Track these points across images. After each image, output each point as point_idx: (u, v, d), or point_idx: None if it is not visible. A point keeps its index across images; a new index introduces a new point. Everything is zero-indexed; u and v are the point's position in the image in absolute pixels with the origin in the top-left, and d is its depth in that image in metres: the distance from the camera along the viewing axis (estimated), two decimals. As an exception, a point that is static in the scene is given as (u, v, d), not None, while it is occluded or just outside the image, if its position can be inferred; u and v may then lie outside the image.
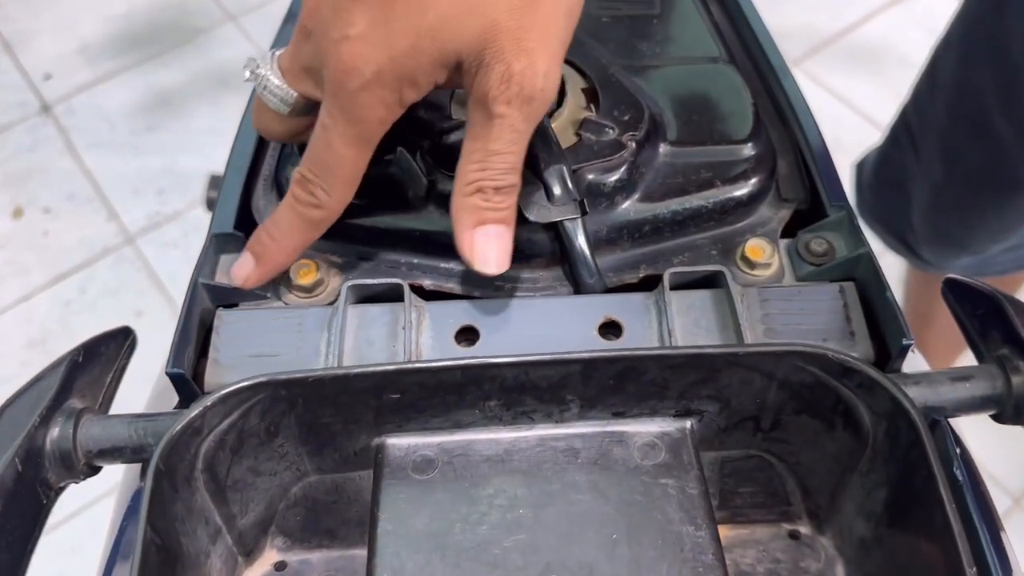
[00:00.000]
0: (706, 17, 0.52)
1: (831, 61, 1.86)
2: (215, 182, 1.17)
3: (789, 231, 0.45)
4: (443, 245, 0.43)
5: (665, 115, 0.46)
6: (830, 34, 1.90)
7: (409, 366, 0.35)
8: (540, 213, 0.42)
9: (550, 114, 0.45)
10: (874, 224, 1.02)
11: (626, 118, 0.45)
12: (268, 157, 0.49)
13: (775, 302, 0.41)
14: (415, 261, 0.44)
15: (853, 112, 1.78)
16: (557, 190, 0.42)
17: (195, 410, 0.33)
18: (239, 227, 0.45)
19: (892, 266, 1.45)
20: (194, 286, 0.41)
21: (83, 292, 1.57)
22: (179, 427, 0.33)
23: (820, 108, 1.65)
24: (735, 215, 0.45)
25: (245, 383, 0.34)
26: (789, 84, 0.48)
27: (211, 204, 1.18)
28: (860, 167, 1.06)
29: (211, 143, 1.76)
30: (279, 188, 0.47)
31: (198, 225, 1.64)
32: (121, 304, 1.55)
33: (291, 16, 0.61)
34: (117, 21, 1.96)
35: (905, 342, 0.37)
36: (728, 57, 0.50)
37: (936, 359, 1.22)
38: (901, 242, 1.01)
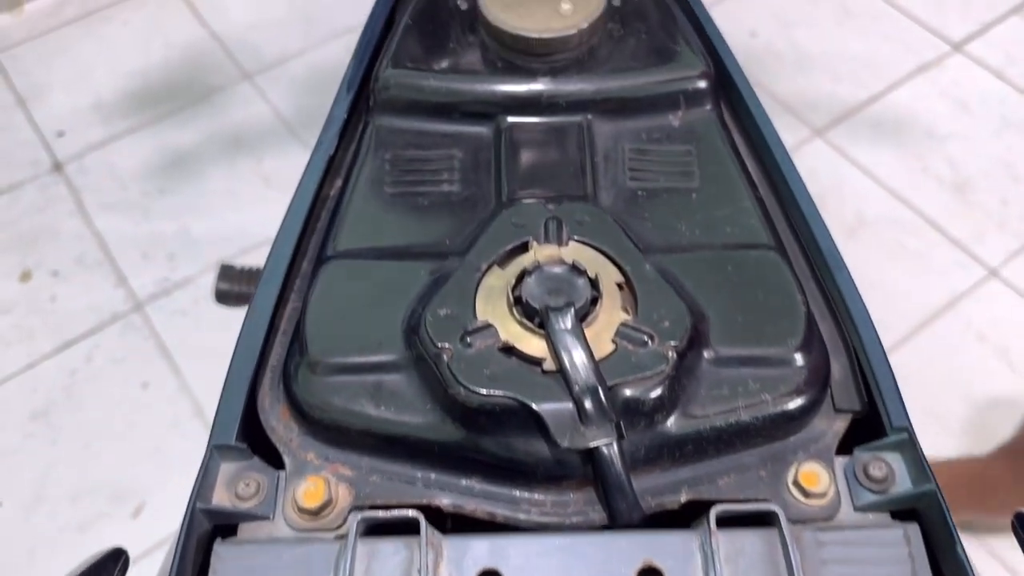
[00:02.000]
0: (750, 193, 0.48)
1: (855, 131, 1.83)
2: (225, 272, 1.13)
3: (845, 444, 0.41)
4: (463, 459, 0.39)
5: (707, 313, 0.43)
6: (854, 103, 1.87)
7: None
8: (573, 438, 0.38)
9: (583, 317, 0.41)
10: None
11: (666, 323, 0.41)
12: (276, 345, 0.46)
13: (833, 547, 0.37)
14: (432, 476, 0.41)
15: (877, 185, 1.74)
16: (591, 411, 0.38)
17: None
18: (244, 431, 0.42)
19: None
20: (191, 512, 0.38)
21: (89, 361, 1.54)
22: None
23: (844, 181, 1.62)
24: (785, 430, 0.41)
25: None
26: (843, 278, 0.44)
27: (221, 297, 1.14)
28: None
29: (223, 206, 1.74)
30: (287, 383, 0.43)
31: (207, 293, 1.61)
32: (127, 374, 1.52)
33: (357, 54, 0.57)
34: (132, 77, 1.94)
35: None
36: (775, 242, 0.46)
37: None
38: None
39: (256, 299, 0.45)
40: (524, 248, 0.44)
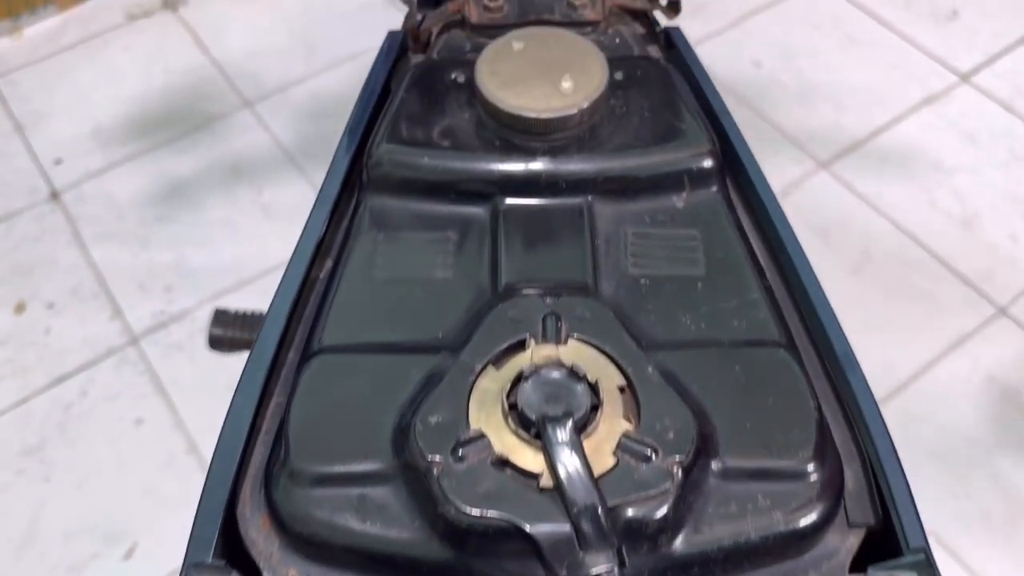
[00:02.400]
0: (758, 282, 0.46)
1: (861, 164, 1.80)
2: (219, 317, 1.11)
3: (858, 562, 0.39)
4: (451, 583, 0.37)
5: (714, 419, 0.40)
6: (860, 135, 1.84)
7: None
8: (571, 566, 0.36)
9: (583, 428, 0.39)
10: None
11: (670, 435, 0.39)
12: (259, 444, 0.43)
13: None
14: None
15: (883, 219, 1.72)
16: (590, 535, 0.35)
17: None
18: (223, 540, 0.39)
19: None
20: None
21: (83, 396, 1.51)
22: None
23: (849, 215, 1.60)
24: (797, 547, 0.39)
25: None
26: (856, 379, 0.42)
27: (215, 343, 1.12)
28: None
29: (221, 236, 1.72)
30: (268, 491, 0.41)
31: (203, 327, 1.58)
32: (121, 410, 1.49)
33: (350, 127, 0.55)
34: (132, 103, 1.93)
35: None
36: (786, 338, 0.44)
37: None
38: None
39: (238, 397, 0.43)
40: (521, 346, 0.42)
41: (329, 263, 0.49)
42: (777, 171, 1.78)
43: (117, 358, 1.56)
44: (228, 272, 1.65)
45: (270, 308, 0.46)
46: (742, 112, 1.90)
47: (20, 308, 1.63)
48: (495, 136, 0.50)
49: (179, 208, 1.76)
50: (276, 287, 0.47)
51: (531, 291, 0.45)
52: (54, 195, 1.78)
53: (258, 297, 1.66)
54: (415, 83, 0.54)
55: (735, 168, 0.52)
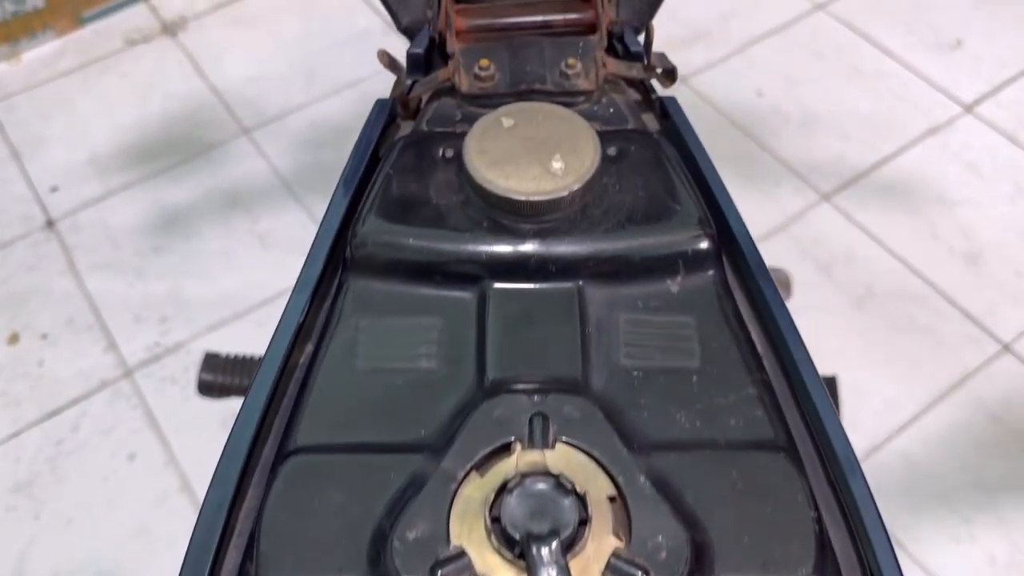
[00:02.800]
0: (756, 376, 0.44)
1: (864, 196, 1.79)
2: (210, 362, 1.09)
3: None
4: None
5: (710, 532, 0.39)
6: (863, 167, 1.83)
7: None
8: None
9: (570, 546, 0.37)
10: None
11: (663, 554, 0.37)
12: (231, 548, 0.42)
13: None
14: None
15: (886, 253, 1.70)
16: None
17: None
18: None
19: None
20: None
21: (75, 430, 1.50)
22: None
23: (852, 248, 1.58)
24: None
25: None
26: (858, 485, 0.40)
27: (204, 388, 1.10)
28: None
29: (218, 267, 1.70)
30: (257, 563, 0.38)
31: (198, 359, 1.56)
32: (114, 445, 1.48)
33: (334, 204, 0.53)
34: (129, 130, 1.92)
35: None
36: (785, 439, 0.42)
37: None
38: None
39: (211, 493, 0.41)
40: (506, 449, 0.40)
41: (310, 347, 0.48)
42: (778, 202, 1.77)
43: (110, 391, 1.54)
44: (224, 304, 1.64)
45: (246, 399, 0.45)
46: (743, 142, 1.88)
47: (14, 339, 1.61)
48: (483, 217, 0.49)
49: (175, 237, 1.75)
50: (256, 374, 0.45)
51: (518, 386, 0.43)
52: (50, 223, 1.77)
53: (253, 330, 1.65)
54: (402, 158, 0.52)
55: (732, 249, 0.50)
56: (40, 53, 2.04)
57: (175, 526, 1.39)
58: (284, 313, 0.48)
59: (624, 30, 0.61)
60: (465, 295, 0.48)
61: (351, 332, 0.47)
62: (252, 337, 1.59)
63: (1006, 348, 1.56)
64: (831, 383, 1.02)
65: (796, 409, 0.45)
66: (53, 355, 1.59)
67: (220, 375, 1.10)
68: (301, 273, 0.49)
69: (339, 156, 1.87)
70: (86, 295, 1.66)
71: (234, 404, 0.95)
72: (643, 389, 0.44)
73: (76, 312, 1.64)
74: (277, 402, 0.45)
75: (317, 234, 0.51)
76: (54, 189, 1.83)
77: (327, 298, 0.50)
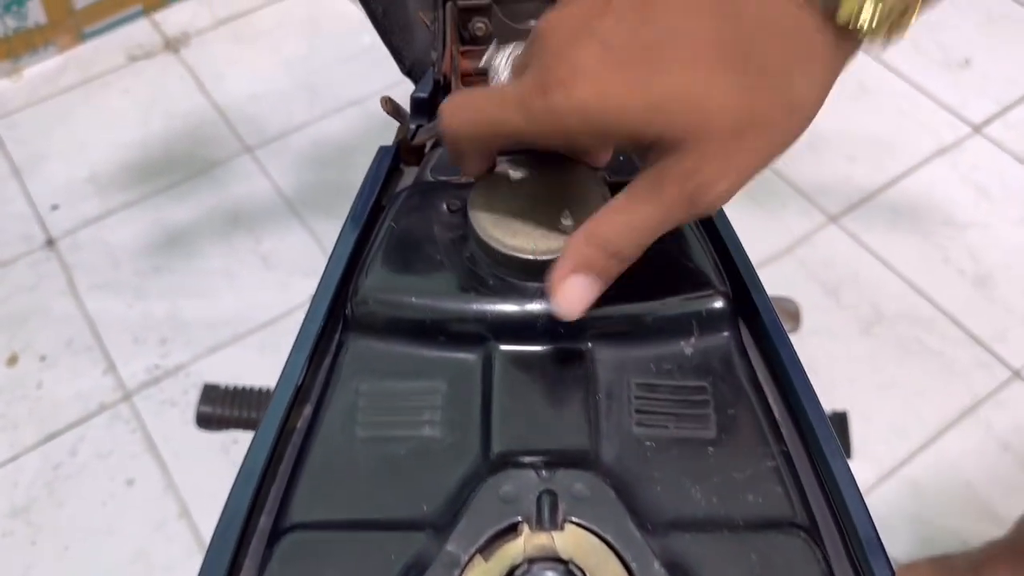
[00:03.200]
0: (775, 447, 0.42)
1: (872, 218, 1.77)
2: (208, 394, 1.07)
3: None
4: None
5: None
6: (871, 188, 1.81)
7: None
8: None
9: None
10: None
11: (677, 646, 0.35)
12: (249, 556, 0.40)
13: None
14: None
15: (895, 276, 1.68)
16: None
17: None
18: None
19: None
20: None
21: (73, 454, 1.48)
22: None
23: (859, 271, 1.55)
24: None
25: None
26: (880, 569, 0.38)
27: (203, 420, 1.08)
28: None
29: (219, 287, 1.69)
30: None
31: (198, 382, 1.55)
32: (113, 470, 1.46)
33: (334, 260, 0.51)
34: (131, 148, 1.90)
35: None
36: (806, 517, 0.40)
37: None
38: None
39: (204, 574, 0.39)
40: (513, 529, 0.38)
41: (308, 409, 0.46)
42: (785, 224, 1.75)
43: (109, 414, 1.53)
44: (225, 325, 1.62)
45: (242, 466, 0.43)
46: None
47: (13, 360, 1.60)
48: (489, 275, 0.47)
49: (176, 257, 1.73)
50: (249, 443, 0.43)
51: (525, 459, 0.41)
52: (50, 242, 1.75)
53: (254, 353, 1.62)
54: (405, 210, 0.50)
55: (748, 308, 0.48)
56: (41, 69, 2.03)
57: (174, 553, 1.37)
58: (283, 373, 0.46)
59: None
60: (469, 357, 0.46)
61: (351, 396, 0.45)
62: (253, 359, 1.58)
63: (1016, 375, 1.54)
64: (842, 419, 0.99)
65: (816, 481, 0.43)
66: (52, 377, 1.58)
67: (219, 407, 1.08)
68: (301, 330, 0.47)
69: (343, 175, 1.86)
70: (86, 315, 1.65)
71: (235, 431, 0.94)
72: (656, 462, 0.42)
73: (75, 333, 1.63)
74: (274, 468, 0.44)
75: (318, 288, 0.49)
76: (54, 207, 1.81)
77: (327, 354, 0.48)
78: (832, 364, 1.54)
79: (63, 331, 1.63)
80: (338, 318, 0.49)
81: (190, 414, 1.56)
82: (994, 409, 1.50)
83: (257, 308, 1.64)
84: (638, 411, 0.44)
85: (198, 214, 1.80)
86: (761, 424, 0.44)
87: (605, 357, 0.46)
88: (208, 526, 1.40)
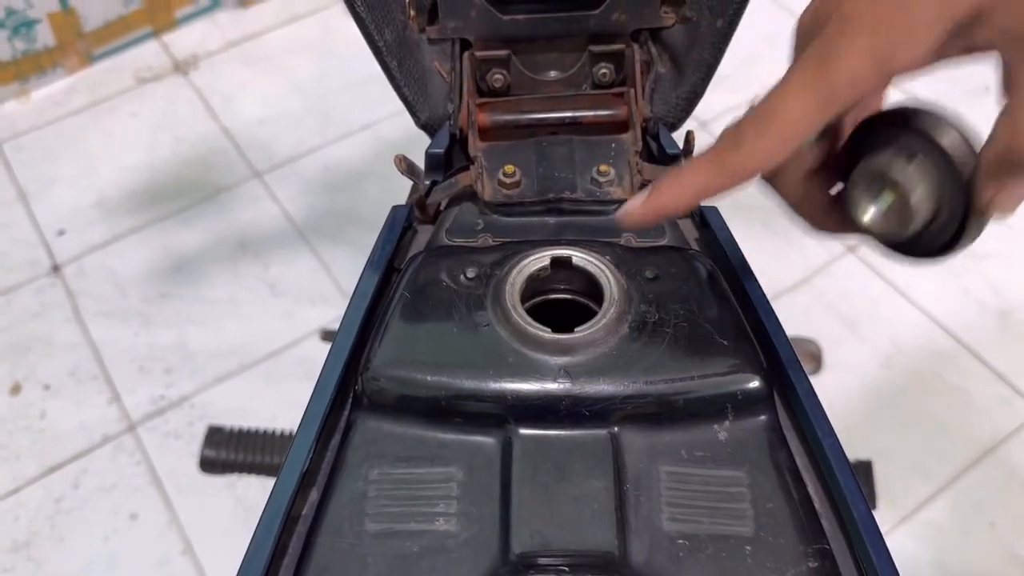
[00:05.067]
0: (816, 547, 0.39)
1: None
2: (212, 437, 1.04)
3: None
4: None
5: None
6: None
7: None
8: None
9: None
10: None
11: None
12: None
13: None
14: None
15: (914, 308, 1.65)
16: None
17: None
18: None
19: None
20: None
21: (76, 487, 1.45)
22: None
23: (878, 302, 1.51)
24: None
25: None
26: None
27: (207, 465, 1.05)
28: None
29: (226, 315, 1.66)
30: None
31: (203, 413, 1.53)
32: (115, 503, 1.43)
33: (343, 333, 0.48)
34: (138, 172, 1.88)
35: None
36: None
37: None
38: None
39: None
40: (535, 643, 0.35)
41: (315, 494, 0.43)
42: (802, 254, 1.71)
43: (113, 446, 1.50)
44: (231, 354, 1.60)
45: (246, 556, 0.40)
46: (765, 191, 1.84)
47: (16, 389, 1.57)
48: (508, 351, 0.44)
49: (183, 284, 1.71)
50: (256, 528, 0.41)
51: (547, 560, 0.38)
52: (55, 268, 1.73)
53: (260, 383, 1.59)
54: (420, 277, 0.48)
55: (784, 387, 0.45)
56: (50, 91, 2.02)
57: (176, 592, 1.34)
58: (287, 460, 0.43)
59: (659, 128, 0.56)
60: (487, 441, 0.43)
61: (360, 483, 0.42)
62: (258, 390, 1.55)
63: (1040, 411, 1.50)
64: (867, 468, 0.96)
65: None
66: (55, 407, 1.55)
67: (224, 451, 1.05)
68: (308, 407, 0.45)
69: (353, 200, 1.83)
70: (90, 344, 1.62)
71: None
72: (689, 562, 0.39)
73: (80, 362, 1.60)
74: (277, 562, 0.41)
75: (326, 362, 0.46)
76: (60, 233, 1.79)
77: (335, 432, 0.45)
78: (850, 400, 1.50)
79: (67, 359, 1.60)
80: (348, 393, 0.46)
81: (195, 447, 1.54)
82: (1017, 447, 1.46)
83: (264, 337, 1.61)
84: (669, 504, 0.41)
85: (206, 240, 1.77)
86: (801, 520, 0.41)
87: (633, 442, 0.43)
88: (212, 563, 1.37)
